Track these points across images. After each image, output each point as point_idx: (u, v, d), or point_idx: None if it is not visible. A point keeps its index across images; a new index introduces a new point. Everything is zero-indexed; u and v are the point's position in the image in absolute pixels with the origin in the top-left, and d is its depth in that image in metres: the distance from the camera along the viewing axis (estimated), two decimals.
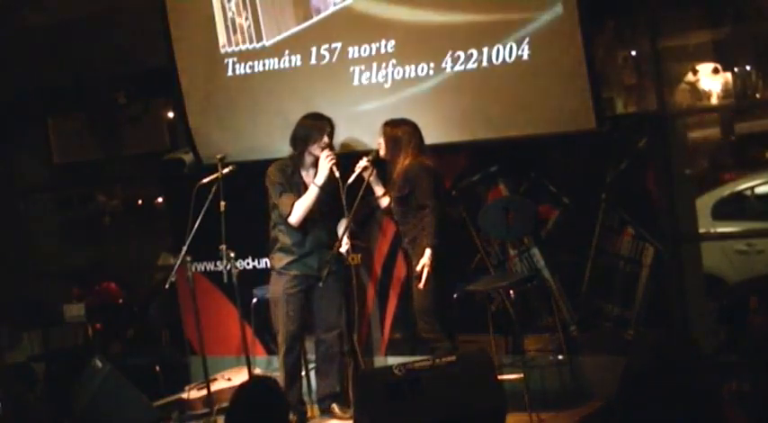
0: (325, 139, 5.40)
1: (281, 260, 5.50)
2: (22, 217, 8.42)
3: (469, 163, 5.79)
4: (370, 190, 5.50)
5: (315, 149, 5.42)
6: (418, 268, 5.09)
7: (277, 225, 5.52)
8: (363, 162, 5.37)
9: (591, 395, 5.30)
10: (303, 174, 5.49)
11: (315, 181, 5.37)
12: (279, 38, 6.05)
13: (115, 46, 7.27)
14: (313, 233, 5.47)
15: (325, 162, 5.34)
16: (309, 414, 5.70)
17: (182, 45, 6.46)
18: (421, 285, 5.07)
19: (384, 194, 5.49)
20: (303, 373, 5.81)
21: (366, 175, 5.38)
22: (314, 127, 5.43)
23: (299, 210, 5.38)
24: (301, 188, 5.44)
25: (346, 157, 5.56)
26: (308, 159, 5.47)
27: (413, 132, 5.29)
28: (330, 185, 5.37)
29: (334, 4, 5.79)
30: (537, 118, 5.38)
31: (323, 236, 5.51)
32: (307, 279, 5.49)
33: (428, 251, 5.07)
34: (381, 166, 5.44)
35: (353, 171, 5.36)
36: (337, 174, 5.33)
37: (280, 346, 5.55)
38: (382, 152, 5.34)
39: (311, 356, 5.79)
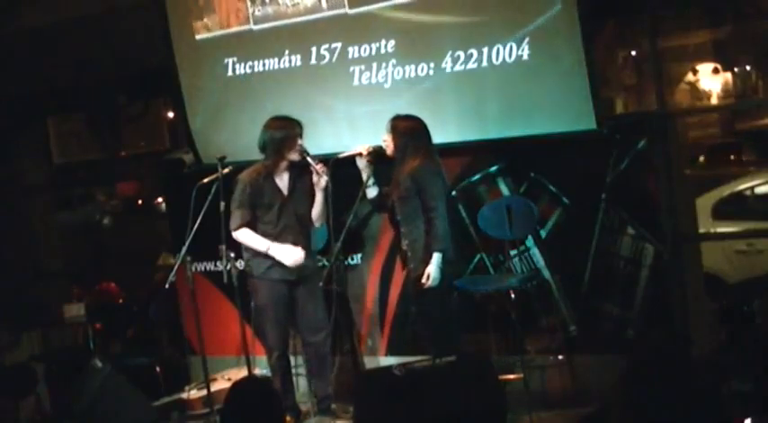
0: (299, 141, 5.35)
1: (259, 265, 5.43)
2: (22, 217, 8.41)
3: (469, 163, 5.79)
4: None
5: (292, 155, 5.36)
6: (427, 272, 5.05)
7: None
8: (361, 148, 5.36)
9: (591, 395, 5.29)
10: (277, 180, 5.41)
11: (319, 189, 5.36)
12: (267, 25, 6.04)
13: (115, 46, 7.26)
14: (288, 238, 5.40)
15: (322, 181, 5.31)
16: (309, 414, 5.69)
17: (182, 45, 6.47)
18: (426, 283, 5.05)
19: (373, 185, 5.44)
20: (302, 374, 5.81)
21: (359, 160, 5.35)
22: (286, 131, 5.35)
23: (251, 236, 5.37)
24: (274, 194, 5.37)
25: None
26: (283, 165, 5.41)
27: (422, 130, 5.23)
28: (305, 192, 5.37)
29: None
30: (537, 118, 5.38)
31: (300, 239, 5.44)
32: (287, 283, 5.44)
33: (436, 255, 5.06)
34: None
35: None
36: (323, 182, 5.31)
37: (270, 351, 5.55)
38: (389, 150, 5.27)
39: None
